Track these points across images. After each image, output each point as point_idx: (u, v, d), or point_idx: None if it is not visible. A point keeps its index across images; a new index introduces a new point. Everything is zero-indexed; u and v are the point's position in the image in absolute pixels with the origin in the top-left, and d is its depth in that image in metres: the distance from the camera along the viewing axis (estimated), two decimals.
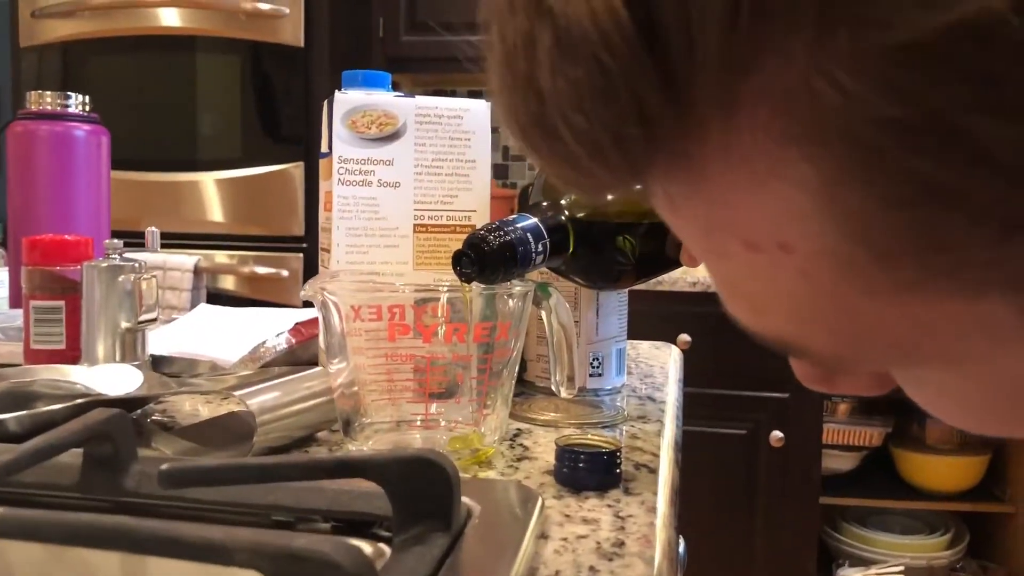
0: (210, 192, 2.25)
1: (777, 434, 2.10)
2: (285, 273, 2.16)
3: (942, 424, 2.23)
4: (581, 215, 0.59)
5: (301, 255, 2.20)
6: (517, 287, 0.56)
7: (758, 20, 0.16)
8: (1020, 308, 0.18)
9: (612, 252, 0.61)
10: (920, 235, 0.17)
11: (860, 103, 0.15)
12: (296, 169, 2.14)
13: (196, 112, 2.25)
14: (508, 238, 0.54)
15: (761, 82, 0.16)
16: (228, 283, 2.22)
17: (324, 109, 0.64)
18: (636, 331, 2.25)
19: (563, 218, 0.58)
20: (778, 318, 0.21)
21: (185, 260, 2.16)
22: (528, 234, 0.55)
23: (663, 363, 0.92)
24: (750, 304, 0.22)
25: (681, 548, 0.81)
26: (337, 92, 0.63)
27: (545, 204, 0.59)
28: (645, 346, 1.03)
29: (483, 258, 0.53)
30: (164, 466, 0.37)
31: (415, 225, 0.64)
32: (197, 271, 2.16)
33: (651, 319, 2.13)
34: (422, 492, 0.40)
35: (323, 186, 0.65)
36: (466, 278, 0.53)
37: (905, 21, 0.15)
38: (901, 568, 2.13)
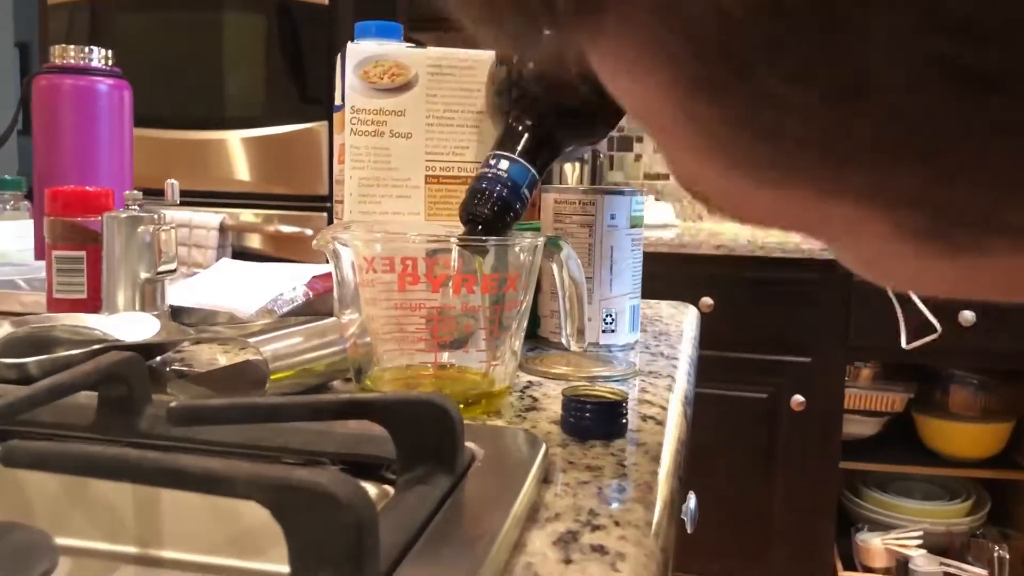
0: (236, 150, 2.26)
1: (798, 398, 2.09)
2: (309, 232, 2.17)
3: (966, 391, 2.22)
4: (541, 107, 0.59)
5: (325, 214, 2.21)
6: (527, 240, 0.56)
7: None
8: (884, 220, 0.18)
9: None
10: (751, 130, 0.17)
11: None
12: (321, 128, 2.15)
13: (222, 70, 2.26)
14: (501, 200, 0.55)
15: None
16: (253, 241, 2.24)
17: (337, 62, 0.64)
18: (659, 292, 2.25)
19: (529, 124, 0.58)
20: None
21: (210, 218, 2.18)
22: (515, 180, 0.56)
23: (679, 322, 0.92)
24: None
25: (692, 502, 0.82)
26: (349, 43, 0.63)
27: (511, 123, 0.59)
28: (663, 305, 1.03)
29: (487, 227, 0.55)
30: (173, 404, 0.38)
31: (426, 176, 0.64)
32: (222, 229, 2.18)
33: (674, 281, 2.13)
34: (426, 434, 0.40)
35: (337, 139, 0.66)
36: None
37: None
38: (920, 533, 2.13)
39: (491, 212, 0.55)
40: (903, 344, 2.01)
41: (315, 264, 0.98)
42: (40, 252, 0.99)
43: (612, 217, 0.75)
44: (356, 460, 0.44)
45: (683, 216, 2.76)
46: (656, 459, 0.49)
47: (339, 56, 0.65)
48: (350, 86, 0.62)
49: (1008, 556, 2.09)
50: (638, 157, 2.79)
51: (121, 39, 2.30)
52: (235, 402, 0.39)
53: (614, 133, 2.78)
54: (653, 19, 0.17)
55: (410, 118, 0.63)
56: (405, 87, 0.62)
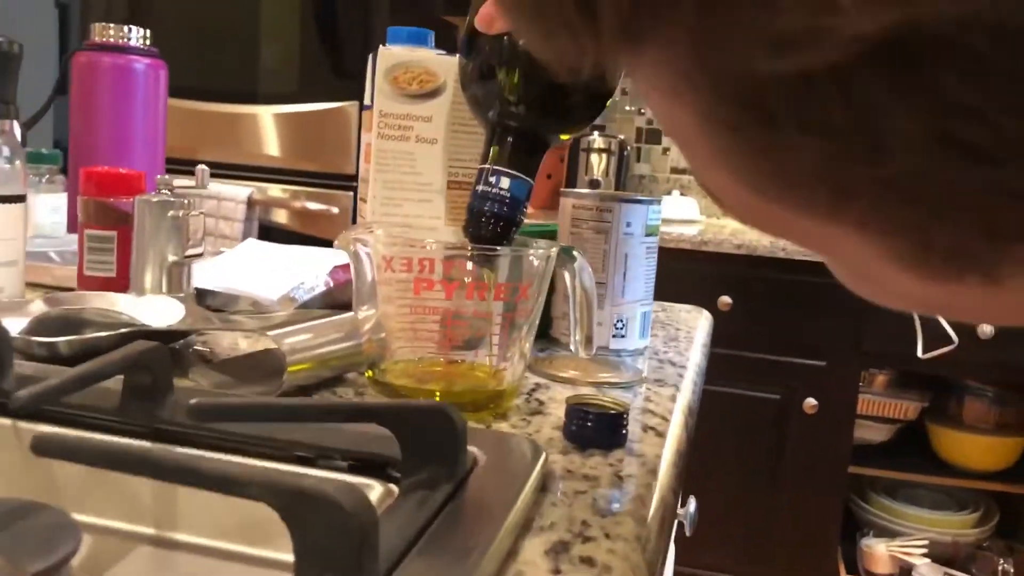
0: (267, 125, 2.28)
1: (811, 401, 2.10)
2: (335, 210, 2.20)
3: (980, 402, 2.22)
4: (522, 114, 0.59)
5: (352, 193, 2.23)
6: (541, 249, 0.58)
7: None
8: (876, 247, 0.21)
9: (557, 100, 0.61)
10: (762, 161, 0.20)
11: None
12: (352, 107, 2.17)
13: (258, 45, 2.28)
14: (504, 220, 0.57)
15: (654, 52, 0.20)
16: (280, 217, 2.27)
17: (368, 63, 0.66)
18: (678, 290, 2.26)
19: (515, 128, 0.59)
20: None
21: (239, 191, 2.22)
22: (516, 197, 0.58)
23: (691, 327, 0.94)
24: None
25: (692, 506, 0.84)
26: (381, 47, 0.64)
27: (497, 129, 0.59)
28: (677, 308, 1.05)
29: (491, 243, 0.57)
30: (193, 400, 0.40)
31: (449, 181, 0.66)
32: (250, 203, 2.22)
33: (694, 279, 2.14)
34: (431, 440, 0.42)
35: (364, 137, 0.68)
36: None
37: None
38: (925, 542, 2.14)
39: (496, 234, 0.58)
40: (919, 353, 2.02)
41: (337, 250, 1.01)
42: (73, 226, 1.01)
43: (628, 225, 0.77)
44: (365, 458, 0.47)
45: (707, 212, 2.77)
46: (653, 471, 0.51)
47: (370, 57, 0.66)
48: (379, 90, 0.64)
49: (1013, 570, 2.10)
50: (665, 150, 2.80)
51: (159, 8, 2.33)
52: (252, 402, 0.41)
53: (642, 125, 2.78)
54: (690, 58, 0.19)
55: (436, 124, 0.64)
56: (433, 93, 0.64)
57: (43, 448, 0.33)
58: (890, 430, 2.29)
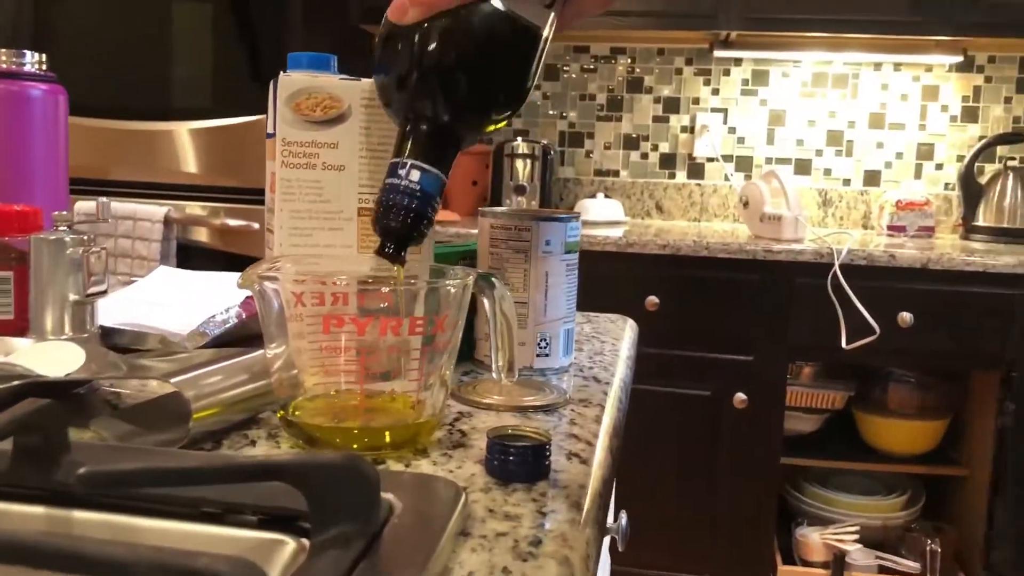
0: (183, 141, 2.23)
1: (741, 396, 2.13)
2: (256, 226, 2.16)
3: (904, 388, 2.27)
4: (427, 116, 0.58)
5: None
6: (458, 279, 0.57)
7: None
8: None
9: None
10: None
11: None
12: None
13: (170, 60, 2.22)
14: (414, 213, 0.56)
15: None
16: (200, 235, 2.22)
17: (270, 90, 0.63)
18: (605, 292, 2.27)
19: (430, 120, 0.57)
20: None
21: (155, 211, 2.16)
22: (427, 191, 0.56)
23: (616, 339, 0.93)
24: None
25: (623, 520, 0.83)
26: (281, 74, 0.62)
27: (411, 121, 0.57)
28: (601, 319, 1.04)
29: (401, 240, 0.56)
30: (83, 470, 0.38)
31: (359, 208, 0.64)
32: (167, 222, 2.16)
33: (621, 281, 2.15)
34: (341, 496, 0.41)
35: (268, 166, 0.65)
36: (392, 258, 0.56)
37: None
38: (856, 527, 2.18)
39: (406, 226, 0.56)
40: (843, 344, 2.06)
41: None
42: None
43: (547, 243, 0.76)
44: (275, 512, 0.44)
45: (632, 213, 2.78)
46: (576, 505, 0.50)
47: (271, 84, 0.64)
48: (282, 118, 0.61)
49: (939, 549, 2.15)
50: (588, 153, 2.81)
51: (65, 26, 2.25)
52: (145, 467, 0.39)
53: (565, 129, 2.79)
54: None
55: (343, 150, 0.62)
56: (339, 119, 0.62)
57: None
58: (819, 420, 2.34)
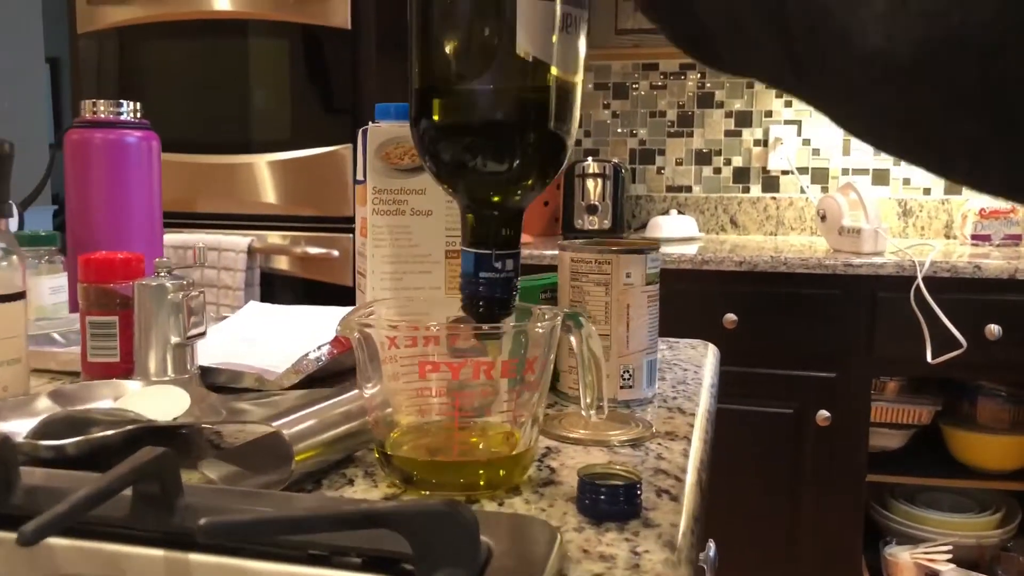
0: (263, 173, 2.29)
1: (824, 413, 2.10)
2: (336, 253, 2.21)
3: (994, 403, 2.20)
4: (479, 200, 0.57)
5: (351, 235, 2.24)
6: (545, 320, 0.58)
7: None
8: None
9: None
10: None
11: None
12: (345, 151, 2.18)
13: (249, 96, 2.29)
14: (512, 296, 0.56)
15: None
16: (281, 263, 2.28)
17: (359, 139, 0.66)
18: (682, 310, 2.26)
19: (493, 205, 0.56)
20: None
21: (239, 241, 2.22)
22: (515, 269, 0.57)
23: (698, 365, 0.93)
24: None
25: (712, 550, 0.83)
26: (371, 124, 0.65)
27: (475, 212, 0.56)
28: (682, 345, 1.04)
29: (499, 319, 0.57)
30: (203, 521, 0.40)
31: (447, 251, 0.66)
32: (251, 252, 2.22)
33: (698, 298, 2.14)
34: (443, 541, 0.42)
35: (359, 211, 0.68)
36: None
37: None
38: (949, 547, 2.12)
39: (508, 310, 0.57)
40: (928, 359, 2.01)
41: (339, 308, 1.00)
42: (74, 305, 1.01)
43: (628, 276, 0.77)
44: (379, 555, 0.46)
45: (706, 228, 2.77)
46: (670, 544, 0.50)
47: (360, 133, 0.67)
48: (371, 167, 0.64)
49: None
50: (660, 170, 2.80)
51: (150, 66, 2.34)
52: (260, 518, 0.41)
53: (635, 146, 2.79)
54: None
55: (430, 196, 0.64)
56: None
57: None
58: (905, 435, 2.28)
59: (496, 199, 0.54)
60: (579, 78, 0.56)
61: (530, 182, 0.55)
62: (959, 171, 0.27)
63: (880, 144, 0.30)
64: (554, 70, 0.53)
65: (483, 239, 0.55)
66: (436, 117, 0.53)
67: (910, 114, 0.26)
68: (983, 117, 0.24)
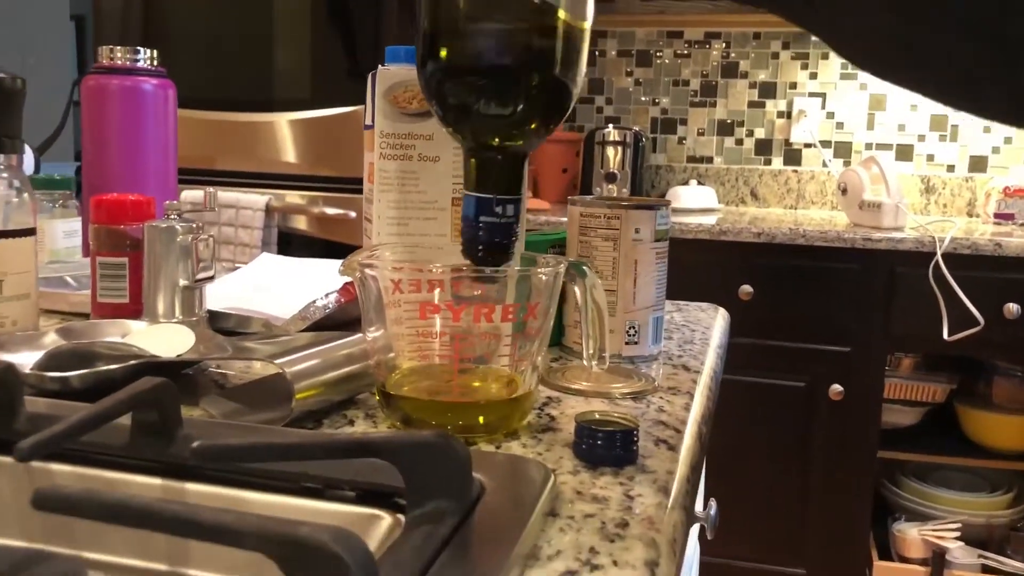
0: (283, 132, 2.29)
1: (837, 387, 2.09)
2: (353, 214, 2.21)
3: (1010, 382, 2.19)
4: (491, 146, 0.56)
5: None
6: (549, 267, 0.58)
7: None
8: None
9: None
10: None
11: None
12: None
13: (271, 53, 2.29)
14: (512, 240, 0.56)
15: None
16: (299, 223, 2.28)
17: (368, 82, 0.66)
18: (698, 281, 2.25)
19: (497, 149, 0.55)
20: None
21: (257, 199, 2.23)
22: (515, 215, 0.56)
23: (707, 327, 0.93)
24: None
25: (713, 509, 0.83)
26: (380, 67, 0.64)
27: (479, 154, 0.56)
28: (692, 308, 1.04)
29: (500, 262, 0.56)
30: (196, 443, 0.40)
31: (453, 199, 0.66)
32: (268, 210, 2.23)
33: (714, 269, 2.13)
34: (434, 473, 0.42)
35: (367, 156, 0.68)
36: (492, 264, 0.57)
37: None
38: (958, 525, 2.12)
39: (507, 255, 0.57)
40: (945, 336, 1.99)
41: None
42: (88, 249, 1.02)
43: (637, 231, 0.77)
44: (372, 488, 0.47)
45: (725, 200, 2.75)
46: (664, 490, 0.50)
47: (369, 76, 0.66)
48: (379, 110, 0.63)
49: None
50: (681, 140, 2.78)
51: (173, 22, 2.34)
52: (253, 442, 0.42)
53: (657, 115, 2.76)
54: None
55: (438, 142, 0.64)
56: None
57: (44, 504, 0.33)
58: (919, 413, 2.27)
59: (499, 143, 0.54)
60: (587, 24, 0.55)
61: (534, 126, 0.54)
62: (960, 87, 0.27)
63: (881, 69, 0.29)
64: (562, 13, 0.53)
65: (485, 183, 0.55)
66: (443, 56, 0.53)
67: (911, 31, 0.25)
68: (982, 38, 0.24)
